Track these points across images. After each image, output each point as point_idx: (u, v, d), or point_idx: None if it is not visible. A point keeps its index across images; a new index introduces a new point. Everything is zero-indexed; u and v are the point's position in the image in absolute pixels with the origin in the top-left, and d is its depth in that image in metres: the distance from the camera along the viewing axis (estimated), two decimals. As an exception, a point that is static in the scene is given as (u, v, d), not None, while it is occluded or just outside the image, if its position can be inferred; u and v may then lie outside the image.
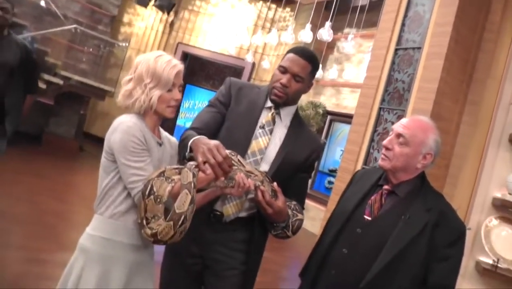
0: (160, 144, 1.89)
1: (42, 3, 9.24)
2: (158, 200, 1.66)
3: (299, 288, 2.06)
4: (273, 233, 2.02)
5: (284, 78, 2.00)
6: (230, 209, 1.98)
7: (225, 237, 2.02)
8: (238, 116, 1.87)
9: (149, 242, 1.68)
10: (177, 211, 1.57)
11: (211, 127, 2.03)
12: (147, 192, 1.66)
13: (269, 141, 2.02)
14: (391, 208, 1.87)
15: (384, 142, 1.91)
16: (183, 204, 1.57)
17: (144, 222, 1.66)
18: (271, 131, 2.04)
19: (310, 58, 2.03)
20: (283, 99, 2.03)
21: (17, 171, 6.36)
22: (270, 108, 2.08)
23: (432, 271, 1.75)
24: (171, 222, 1.57)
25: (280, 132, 2.07)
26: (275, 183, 1.91)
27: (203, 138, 1.77)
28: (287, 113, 2.11)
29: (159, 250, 1.97)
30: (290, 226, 1.97)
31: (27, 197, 5.42)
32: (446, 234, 1.77)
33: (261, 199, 1.84)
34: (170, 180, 1.73)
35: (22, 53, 3.30)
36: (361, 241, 1.85)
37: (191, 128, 2.00)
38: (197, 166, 1.66)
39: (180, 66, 1.85)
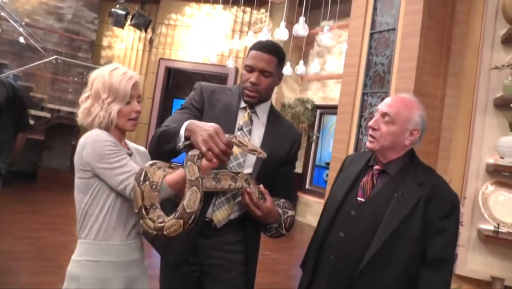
0: (130, 154, 1.85)
1: (21, 39, 9.25)
2: (154, 186, 1.62)
3: (301, 279, 2.05)
4: (267, 234, 2.01)
5: (253, 77, 1.97)
6: (220, 215, 1.96)
7: (219, 242, 2.00)
8: (214, 120, 1.79)
9: (152, 235, 1.61)
10: (187, 210, 1.53)
11: None
12: (141, 179, 1.61)
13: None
14: (383, 187, 1.87)
15: (370, 123, 1.91)
16: (193, 203, 1.53)
17: (143, 211, 1.61)
18: (249, 132, 2.02)
19: (274, 50, 2.00)
20: (256, 98, 2.01)
21: (14, 210, 6.35)
22: (245, 108, 2.06)
23: (429, 246, 1.75)
24: (181, 221, 1.53)
25: (259, 131, 2.06)
26: (261, 185, 1.90)
27: (197, 122, 1.72)
28: (262, 110, 2.09)
29: (155, 264, 1.96)
30: (283, 224, 1.96)
31: (27, 234, 5.40)
32: (440, 207, 1.77)
33: (248, 202, 1.83)
34: (162, 170, 1.70)
35: (9, 91, 3.31)
36: (356, 223, 1.86)
37: (164, 126, 1.95)
38: (199, 157, 1.60)
39: (136, 77, 1.82)
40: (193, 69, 11.30)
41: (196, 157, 1.59)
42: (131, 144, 1.96)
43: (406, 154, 1.91)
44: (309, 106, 9.14)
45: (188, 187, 1.56)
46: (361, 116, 3.45)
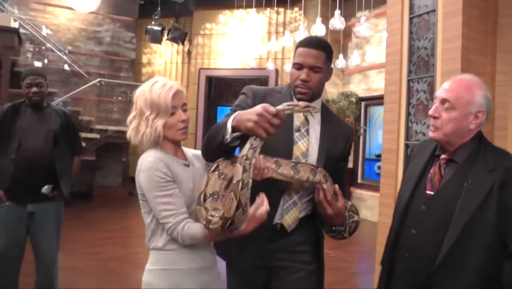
0: (188, 165, 1.86)
1: (66, 67, 9.62)
2: (222, 176, 1.65)
3: (379, 278, 1.99)
4: (329, 235, 1.99)
5: (303, 74, 1.94)
6: (289, 219, 1.95)
7: (285, 243, 1.98)
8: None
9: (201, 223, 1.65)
10: (225, 215, 1.54)
11: None
12: (212, 168, 1.67)
13: (308, 142, 1.98)
14: (451, 178, 1.75)
15: (430, 111, 1.80)
16: (229, 209, 1.53)
17: (202, 197, 1.64)
18: (307, 132, 1.99)
19: (321, 45, 1.96)
20: (309, 94, 1.96)
21: (74, 229, 6.56)
22: None
23: (510, 236, 1.61)
24: (220, 222, 1.55)
25: (315, 130, 2.02)
26: (336, 185, 1.87)
27: (243, 111, 1.70)
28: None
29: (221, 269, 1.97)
30: (347, 228, 1.94)
31: (89, 250, 5.62)
32: None
33: (322, 198, 1.81)
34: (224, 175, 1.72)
35: (62, 119, 3.48)
36: (427, 218, 1.76)
37: None
38: (248, 158, 1.57)
39: (176, 86, 1.81)
40: (233, 75, 11.38)
41: (244, 158, 1.57)
42: (189, 152, 1.96)
43: (473, 138, 1.78)
44: (353, 100, 9.02)
45: (229, 191, 1.58)
46: (408, 104, 3.35)
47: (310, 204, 1.99)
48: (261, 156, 1.70)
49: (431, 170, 1.83)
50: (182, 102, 1.82)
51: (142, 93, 1.79)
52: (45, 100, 3.47)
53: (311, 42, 1.97)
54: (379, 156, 8.66)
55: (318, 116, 2.04)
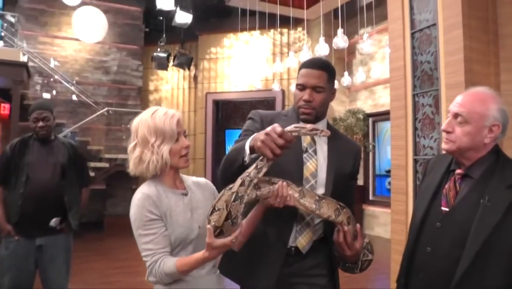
0: (186, 194, 1.86)
1: (74, 97, 9.73)
2: (235, 195, 1.61)
3: None
4: (340, 268, 1.99)
5: (306, 94, 1.96)
6: (303, 241, 1.94)
7: (300, 267, 1.96)
8: (285, 158, 1.77)
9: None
10: (215, 224, 1.57)
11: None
12: (229, 186, 1.66)
13: (317, 162, 1.97)
14: (467, 193, 1.70)
15: (443, 126, 1.77)
16: (219, 218, 1.56)
17: (210, 210, 1.64)
18: (315, 152, 1.99)
19: (323, 66, 1.99)
20: (313, 114, 1.98)
21: (87, 259, 6.56)
22: None
23: None
24: (212, 229, 1.57)
25: (322, 150, 2.02)
26: (358, 225, 1.87)
27: (258, 132, 1.72)
28: (321, 127, 2.03)
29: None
30: (360, 265, 1.93)
31: (102, 280, 5.59)
32: None
33: (342, 240, 1.80)
34: (257, 187, 1.72)
35: (70, 152, 3.51)
36: (443, 236, 1.70)
37: None
38: (249, 175, 1.62)
39: (177, 114, 1.82)
40: (240, 98, 11.43)
41: (247, 174, 1.62)
42: (189, 180, 1.96)
43: (490, 153, 1.72)
44: (361, 116, 9.01)
45: (222, 201, 1.61)
46: (415, 119, 3.33)
47: (323, 225, 1.98)
48: (285, 183, 1.73)
49: (446, 186, 1.78)
50: (183, 129, 1.84)
51: (143, 122, 1.78)
52: (52, 133, 3.50)
53: (312, 63, 2.01)
54: (389, 171, 8.59)
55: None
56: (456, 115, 1.72)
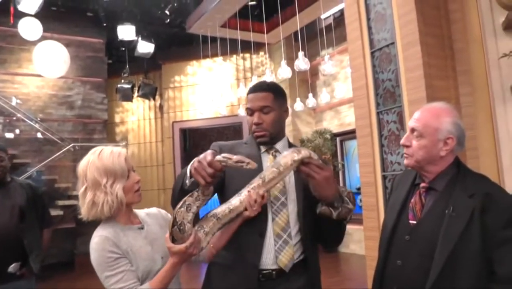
0: (142, 228, 1.85)
1: (39, 135, 9.51)
2: (181, 203, 1.70)
3: None
4: (318, 210, 1.86)
5: (255, 117, 2.00)
6: (284, 259, 1.90)
7: None
8: (241, 174, 1.85)
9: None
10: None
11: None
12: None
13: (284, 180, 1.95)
14: (433, 206, 1.76)
15: (402, 141, 1.86)
16: (169, 224, 1.67)
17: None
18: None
19: (266, 87, 2.05)
20: (266, 136, 2.01)
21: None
22: (267, 151, 2.05)
23: (496, 261, 1.57)
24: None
25: None
26: (326, 156, 1.85)
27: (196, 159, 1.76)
28: (282, 146, 2.08)
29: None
30: (338, 210, 1.82)
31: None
32: (498, 215, 1.60)
33: (308, 169, 1.76)
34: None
35: (28, 193, 3.38)
36: (412, 248, 1.74)
37: None
38: (197, 191, 1.72)
39: (123, 151, 1.82)
40: (206, 125, 11.41)
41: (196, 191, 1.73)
42: (141, 213, 1.94)
43: (451, 165, 1.79)
44: (328, 136, 9.09)
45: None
46: (381, 136, 3.39)
47: (302, 245, 1.96)
48: (247, 192, 1.77)
49: (412, 200, 1.84)
50: (131, 165, 1.83)
51: (91, 164, 1.76)
52: (8, 174, 3.37)
53: (256, 87, 2.07)
54: (360, 189, 8.65)
55: (284, 148, 2.04)
56: (412, 130, 1.81)
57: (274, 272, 1.90)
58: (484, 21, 3.06)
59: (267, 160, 2.03)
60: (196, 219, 1.74)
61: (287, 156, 1.78)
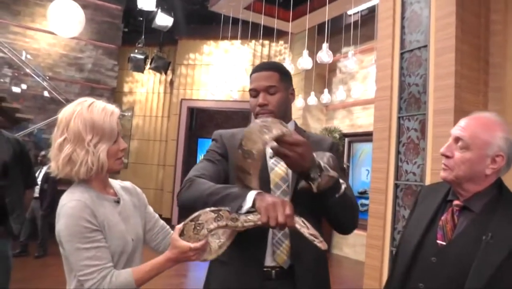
0: (118, 201, 1.65)
1: (45, 93, 9.36)
2: (214, 210, 1.50)
3: None
4: (298, 187, 1.71)
5: (260, 98, 1.81)
6: (282, 255, 1.73)
7: None
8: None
9: None
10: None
11: (220, 179, 1.80)
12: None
13: (286, 167, 1.76)
14: (467, 228, 1.55)
15: (442, 149, 1.62)
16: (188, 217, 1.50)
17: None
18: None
19: (272, 66, 1.89)
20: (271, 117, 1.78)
21: (41, 264, 6.27)
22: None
23: None
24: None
25: None
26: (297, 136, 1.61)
27: (266, 193, 1.53)
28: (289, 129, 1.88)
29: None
30: (317, 180, 1.60)
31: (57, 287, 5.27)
32: None
33: (282, 149, 1.55)
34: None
35: (16, 148, 3.16)
36: (438, 272, 1.55)
37: (197, 175, 1.75)
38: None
39: (117, 111, 1.62)
40: (215, 107, 11.25)
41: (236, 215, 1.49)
42: (116, 186, 1.74)
43: (491, 186, 1.57)
44: (337, 136, 8.92)
45: None
46: (398, 142, 3.21)
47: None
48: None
49: (443, 217, 1.63)
50: (120, 128, 1.64)
51: (78, 115, 1.54)
52: None
53: (260, 66, 1.91)
54: (362, 193, 8.51)
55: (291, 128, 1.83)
56: (457, 139, 1.58)
57: (273, 272, 1.73)
58: (526, 37, 2.88)
59: (271, 143, 1.82)
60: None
61: (257, 141, 1.55)
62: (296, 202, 1.60)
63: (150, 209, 1.84)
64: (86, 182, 1.58)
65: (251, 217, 1.49)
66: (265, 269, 1.72)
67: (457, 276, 1.46)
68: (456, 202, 1.62)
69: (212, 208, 1.48)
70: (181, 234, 1.46)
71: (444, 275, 1.52)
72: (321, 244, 1.47)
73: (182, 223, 1.47)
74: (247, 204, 1.51)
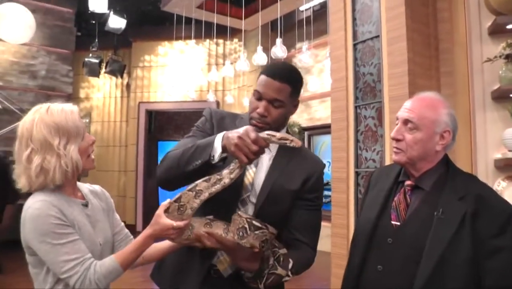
0: (86, 205, 1.63)
1: (-4, 103, 9.06)
2: (192, 186, 1.53)
3: None
4: (244, 278, 1.64)
5: (261, 107, 1.68)
6: (224, 262, 1.69)
7: None
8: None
9: None
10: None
11: None
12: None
13: (254, 175, 1.74)
14: (419, 206, 1.60)
15: (392, 134, 1.66)
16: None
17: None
18: (256, 164, 1.75)
19: (287, 77, 1.70)
20: (265, 129, 1.67)
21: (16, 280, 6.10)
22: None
23: (485, 271, 1.44)
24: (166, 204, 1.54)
25: (267, 160, 1.78)
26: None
27: (230, 132, 1.54)
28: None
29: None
30: (264, 279, 1.57)
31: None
32: (490, 222, 1.47)
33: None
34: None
35: None
36: (395, 252, 1.58)
37: (177, 149, 1.70)
38: (219, 174, 1.54)
39: (75, 108, 1.60)
40: (174, 108, 11.15)
41: (218, 174, 1.54)
42: (84, 189, 1.71)
43: (440, 163, 1.64)
44: (296, 130, 9.00)
45: None
46: (357, 131, 3.29)
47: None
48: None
49: (395, 198, 1.68)
50: (83, 123, 1.61)
51: (39, 122, 1.50)
52: None
53: (275, 73, 1.70)
54: (324, 184, 8.59)
55: (274, 148, 1.79)
56: (405, 121, 1.64)
57: (212, 271, 1.71)
58: (471, 23, 3.00)
59: None
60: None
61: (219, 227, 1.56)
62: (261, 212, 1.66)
63: (117, 215, 1.83)
64: (48, 189, 1.54)
65: (231, 167, 1.53)
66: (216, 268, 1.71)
67: (413, 255, 1.51)
68: (407, 182, 1.67)
69: (189, 187, 1.50)
70: (166, 211, 1.48)
71: (401, 255, 1.57)
72: (293, 143, 1.52)
73: (168, 200, 1.49)
74: (218, 150, 1.53)
